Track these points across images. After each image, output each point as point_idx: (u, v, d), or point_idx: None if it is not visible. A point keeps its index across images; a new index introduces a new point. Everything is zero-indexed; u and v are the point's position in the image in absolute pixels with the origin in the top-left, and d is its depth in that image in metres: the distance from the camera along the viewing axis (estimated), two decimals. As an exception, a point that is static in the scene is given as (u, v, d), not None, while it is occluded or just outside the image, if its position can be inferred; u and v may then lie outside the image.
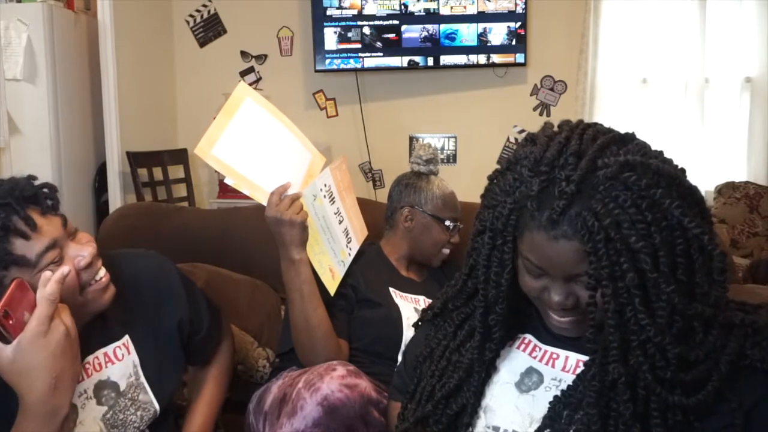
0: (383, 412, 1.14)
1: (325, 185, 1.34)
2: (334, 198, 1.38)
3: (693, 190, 0.77)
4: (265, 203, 1.25)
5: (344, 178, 1.49)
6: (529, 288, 0.82)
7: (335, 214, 1.38)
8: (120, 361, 1.04)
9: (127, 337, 1.06)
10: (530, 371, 0.88)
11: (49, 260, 0.90)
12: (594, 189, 0.73)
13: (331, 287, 1.33)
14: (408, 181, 1.55)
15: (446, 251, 1.53)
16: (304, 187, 1.31)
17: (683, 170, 0.78)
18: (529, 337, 0.91)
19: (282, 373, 1.33)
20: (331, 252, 1.36)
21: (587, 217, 0.72)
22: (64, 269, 0.86)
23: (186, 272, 1.50)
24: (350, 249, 1.43)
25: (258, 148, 1.29)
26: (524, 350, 0.90)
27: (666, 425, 0.74)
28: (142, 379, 1.07)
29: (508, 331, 0.90)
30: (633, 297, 0.72)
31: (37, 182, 0.94)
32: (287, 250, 1.24)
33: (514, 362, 0.90)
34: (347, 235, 1.43)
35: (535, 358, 0.89)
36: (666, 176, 0.74)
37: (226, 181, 1.24)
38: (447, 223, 1.50)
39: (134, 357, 1.07)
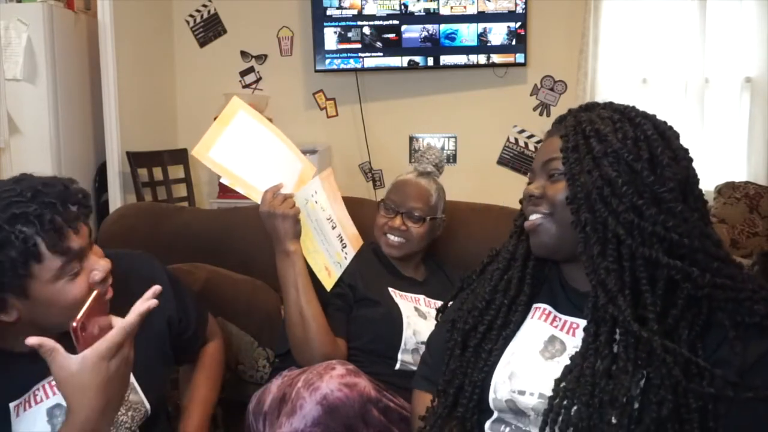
0: (383, 411, 1.14)
1: (316, 192, 1.39)
2: (325, 206, 1.43)
3: (671, 140, 0.88)
4: (259, 201, 1.30)
5: (333, 189, 1.51)
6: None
7: (328, 220, 1.42)
8: None
9: None
10: (553, 339, 0.92)
11: (73, 269, 0.91)
12: (590, 110, 0.94)
13: (328, 284, 1.35)
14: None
15: (390, 237, 1.46)
16: (295, 189, 1.36)
17: (677, 134, 0.90)
18: (547, 307, 0.96)
19: (281, 373, 1.33)
20: (326, 252, 1.39)
21: (572, 119, 0.93)
22: (151, 303, 0.86)
23: (186, 272, 1.51)
24: (346, 253, 1.45)
25: (251, 155, 1.35)
26: (545, 320, 0.95)
27: (654, 292, 0.82)
28: (132, 379, 1.06)
29: (531, 297, 0.98)
30: (598, 163, 0.86)
31: (75, 186, 0.95)
32: (281, 242, 1.29)
33: (537, 331, 0.94)
34: (342, 240, 1.45)
35: (556, 327, 0.93)
36: (653, 122, 0.89)
37: (222, 180, 1.32)
38: (380, 201, 1.48)
39: None
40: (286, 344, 1.36)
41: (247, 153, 1.34)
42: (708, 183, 3.42)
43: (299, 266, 1.29)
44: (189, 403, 1.22)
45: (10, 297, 0.87)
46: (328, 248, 1.39)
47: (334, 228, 1.43)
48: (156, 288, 0.88)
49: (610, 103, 0.95)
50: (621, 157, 0.85)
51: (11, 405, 0.96)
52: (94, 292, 0.84)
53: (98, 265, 0.95)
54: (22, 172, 0.94)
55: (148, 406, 1.08)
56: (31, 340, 0.79)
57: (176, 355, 1.20)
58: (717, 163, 3.47)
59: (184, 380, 1.28)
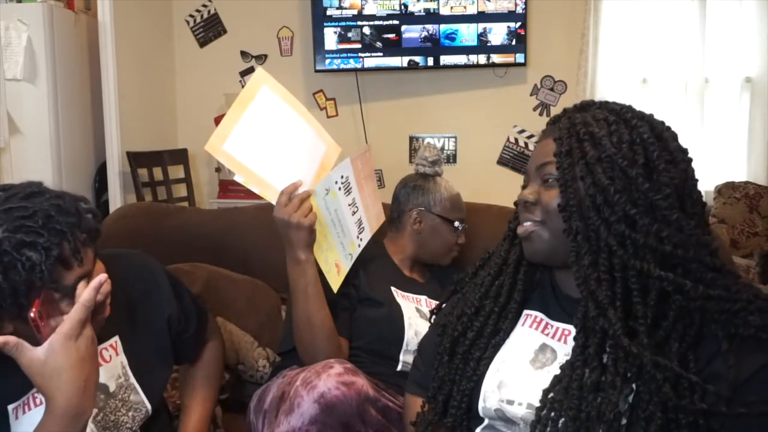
0: (381, 410, 1.14)
1: (342, 176, 1.30)
2: (350, 188, 1.34)
3: (669, 142, 0.85)
4: (274, 202, 1.23)
5: (366, 167, 1.43)
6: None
7: (349, 205, 1.34)
8: (107, 363, 1.04)
9: (116, 338, 1.06)
10: (544, 347, 0.91)
11: (69, 300, 0.89)
12: (585, 110, 0.92)
13: (335, 284, 1.31)
14: (415, 183, 1.54)
15: (455, 253, 1.53)
16: (317, 181, 1.29)
17: (675, 135, 0.88)
18: (539, 314, 0.94)
19: (283, 371, 1.33)
20: (339, 246, 1.33)
21: (566, 121, 0.90)
22: (102, 277, 0.86)
23: (186, 272, 1.51)
24: (361, 239, 1.39)
25: (271, 141, 1.25)
26: (536, 328, 0.93)
27: (647, 304, 0.80)
28: (132, 379, 1.06)
29: (523, 303, 0.96)
30: (591, 170, 0.84)
31: (85, 207, 0.93)
32: (293, 250, 1.24)
33: (527, 339, 0.92)
34: (360, 225, 1.39)
35: (547, 335, 0.92)
36: (650, 123, 0.87)
37: (235, 178, 1.21)
38: (456, 224, 1.50)
39: (122, 358, 1.06)
40: (287, 343, 1.35)
41: (266, 141, 1.24)
42: (708, 183, 3.42)
43: (310, 274, 1.24)
44: (188, 402, 1.22)
45: (6, 318, 0.87)
46: (342, 240, 1.34)
47: (354, 213, 1.36)
48: (102, 276, 0.86)
49: (606, 103, 0.92)
50: (615, 163, 0.82)
51: (9, 407, 0.96)
52: (43, 291, 0.84)
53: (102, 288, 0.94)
54: (32, 182, 0.92)
55: (148, 405, 1.08)
56: None
57: (176, 355, 1.20)
58: (717, 163, 3.47)
59: (183, 380, 1.28)
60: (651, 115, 0.89)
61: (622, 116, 0.88)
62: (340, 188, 1.30)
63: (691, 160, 0.86)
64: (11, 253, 0.82)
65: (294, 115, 1.30)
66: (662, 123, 0.89)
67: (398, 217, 1.54)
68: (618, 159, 0.82)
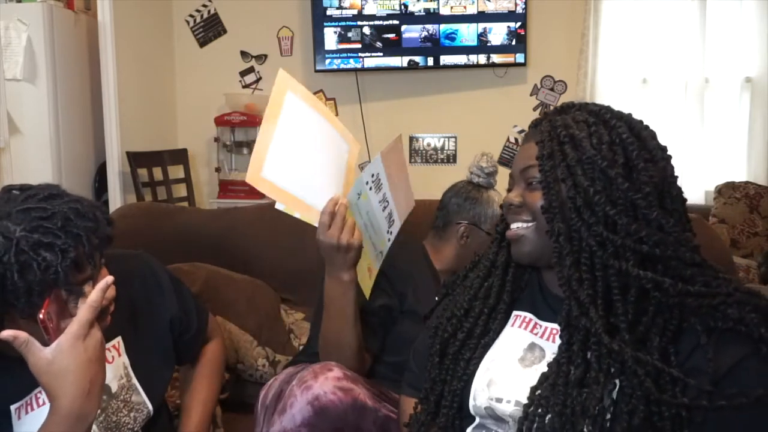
0: (381, 421, 1.11)
1: (372, 175, 1.20)
2: (381, 185, 1.23)
3: (647, 141, 0.86)
4: (316, 224, 1.15)
5: (398, 158, 1.33)
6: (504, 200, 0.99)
7: (380, 202, 1.24)
8: (110, 364, 1.04)
9: (119, 338, 1.06)
10: (532, 346, 0.92)
11: (77, 301, 0.89)
12: (565, 113, 0.93)
13: (368, 289, 1.25)
14: (467, 195, 1.46)
15: None
16: (347, 185, 1.22)
17: (654, 134, 0.89)
18: (528, 315, 0.96)
19: (288, 368, 1.32)
20: (371, 248, 1.25)
21: (547, 124, 0.91)
22: (108, 279, 0.86)
23: (186, 272, 1.51)
24: (391, 233, 1.29)
25: (304, 154, 1.18)
26: (525, 328, 0.94)
27: (626, 301, 0.81)
28: (134, 380, 1.07)
29: (512, 303, 0.97)
30: (572, 172, 0.85)
31: (100, 214, 0.93)
32: (338, 272, 1.16)
33: (516, 339, 0.94)
34: (390, 218, 1.29)
35: (536, 334, 0.93)
36: (629, 123, 0.88)
37: (277, 206, 1.13)
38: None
39: (124, 358, 1.07)
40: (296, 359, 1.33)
41: (300, 156, 1.15)
42: (708, 183, 3.42)
43: (351, 296, 1.17)
44: (189, 402, 1.22)
45: (17, 316, 0.87)
46: (374, 242, 1.25)
47: (385, 208, 1.26)
48: (109, 278, 0.86)
49: (585, 105, 0.94)
50: (595, 164, 0.83)
51: (12, 407, 0.96)
52: (53, 291, 0.85)
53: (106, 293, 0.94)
54: (50, 184, 0.92)
55: (150, 406, 1.08)
56: (5, 333, 0.78)
57: (178, 356, 1.20)
58: (717, 163, 3.47)
59: (184, 380, 1.28)
60: (629, 115, 0.91)
61: (601, 117, 0.89)
62: (371, 188, 1.20)
63: (670, 157, 0.88)
64: (28, 253, 0.82)
65: (319, 118, 1.23)
66: (641, 122, 0.90)
67: (443, 227, 1.46)
68: (598, 160, 0.83)
